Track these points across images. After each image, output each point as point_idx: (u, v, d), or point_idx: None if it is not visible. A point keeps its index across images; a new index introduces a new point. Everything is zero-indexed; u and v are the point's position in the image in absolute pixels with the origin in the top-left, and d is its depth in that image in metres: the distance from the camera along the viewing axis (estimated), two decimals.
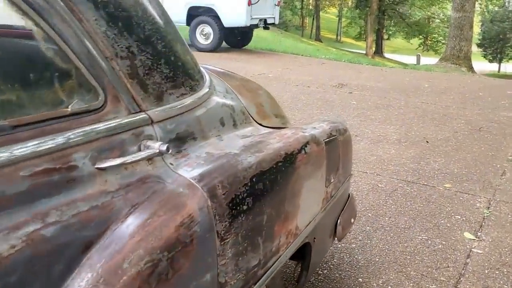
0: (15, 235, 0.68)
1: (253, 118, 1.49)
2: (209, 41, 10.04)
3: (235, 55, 9.89)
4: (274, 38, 18.61)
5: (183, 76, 1.15)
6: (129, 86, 0.96)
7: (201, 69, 1.34)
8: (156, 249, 0.85)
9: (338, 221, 1.87)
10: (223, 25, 9.82)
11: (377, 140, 4.48)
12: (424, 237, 2.68)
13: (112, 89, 0.92)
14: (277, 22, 11.17)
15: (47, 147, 0.77)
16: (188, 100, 1.15)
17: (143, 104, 0.99)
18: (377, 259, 2.43)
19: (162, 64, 1.07)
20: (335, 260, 2.41)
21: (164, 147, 0.95)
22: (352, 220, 2.02)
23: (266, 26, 10.66)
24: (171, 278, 0.88)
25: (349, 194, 2.05)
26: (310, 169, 1.47)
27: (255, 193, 1.15)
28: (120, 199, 0.87)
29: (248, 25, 9.82)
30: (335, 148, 1.71)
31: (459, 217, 2.95)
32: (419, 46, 35.87)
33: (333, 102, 6.01)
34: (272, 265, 1.27)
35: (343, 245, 2.55)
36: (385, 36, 36.23)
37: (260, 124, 1.53)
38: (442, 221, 2.88)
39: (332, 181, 1.69)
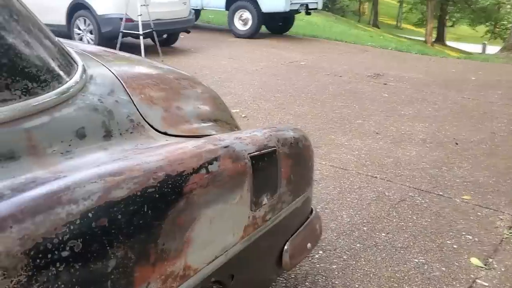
0: None
1: (151, 125, 1.21)
2: (247, 26, 9.75)
3: (272, 41, 9.54)
4: (325, 23, 18.03)
5: (8, 78, 0.89)
6: None
7: (68, 63, 1.07)
8: None
9: (285, 248, 1.56)
10: (261, 10, 9.48)
11: (400, 139, 4.05)
12: (421, 261, 2.30)
13: None
14: (320, 7, 10.68)
15: None
16: (12, 109, 0.88)
17: None
18: (356, 286, 2.09)
19: None
20: (307, 283, 2.09)
21: None
22: (309, 245, 1.69)
23: (308, 11, 10.21)
24: None
25: (308, 215, 1.73)
26: (215, 192, 1.17)
27: (93, 234, 0.88)
28: None
29: (288, 10, 9.43)
30: (271, 162, 1.40)
31: (471, 238, 2.53)
32: (485, 34, 33.67)
33: (362, 94, 5.58)
34: None
35: (322, 265, 2.23)
36: (449, 23, 34.32)
37: (164, 133, 1.24)
38: (448, 241, 2.48)
39: (264, 203, 1.38)
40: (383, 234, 2.53)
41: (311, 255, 2.29)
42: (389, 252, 2.36)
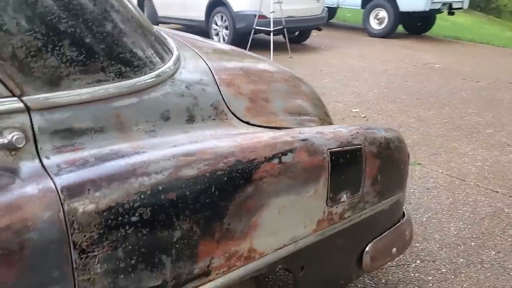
0: None
1: (234, 114, 1.28)
2: (382, 26, 9.46)
3: (408, 42, 9.13)
4: (474, 25, 16.67)
5: (105, 61, 1.03)
6: None
7: (163, 52, 1.19)
8: None
9: (366, 249, 1.53)
10: (399, 9, 9.12)
11: None
12: None
13: None
14: (466, 6, 9.92)
15: None
16: (105, 88, 1.02)
17: (18, 89, 0.90)
18: None
19: (65, 47, 0.96)
20: None
21: (9, 138, 0.85)
22: (395, 250, 1.64)
23: (451, 11, 9.56)
24: None
25: (398, 219, 1.67)
26: (287, 182, 1.21)
27: (162, 205, 0.98)
28: None
29: (428, 9, 8.93)
30: (355, 160, 1.39)
31: None
32: None
33: (499, 102, 5.10)
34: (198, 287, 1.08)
35: (416, 275, 2.13)
36: None
37: (247, 122, 1.31)
38: None
39: (343, 200, 1.37)
40: (492, 252, 2.32)
41: (407, 263, 2.20)
42: (495, 271, 2.16)
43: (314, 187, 1.28)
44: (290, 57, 7.04)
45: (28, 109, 0.91)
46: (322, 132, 1.35)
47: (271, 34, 6.63)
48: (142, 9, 9.36)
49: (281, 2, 6.62)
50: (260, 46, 7.49)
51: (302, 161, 1.25)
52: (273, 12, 6.50)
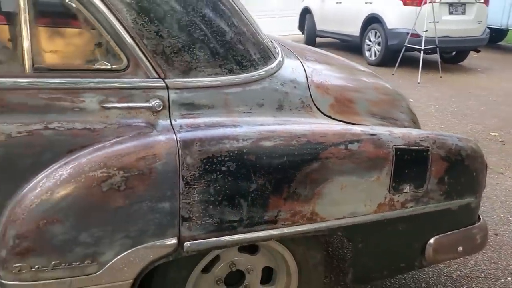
0: (24, 128, 1.24)
1: (318, 108, 1.63)
2: None
3: None
4: None
5: (222, 61, 1.47)
6: (151, 59, 1.37)
7: (268, 56, 1.59)
8: (113, 166, 1.27)
9: (430, 241, 1.74)
10: None
11: None
12: None
13: (135, 59, 1.36)
14: None
15: (68, 85, 1.30)
16: (220, 79, 1.47)
17: (163, 74, 1.39)
18: None
19: (196, 48, 1.42)
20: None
21: (152, 104, 1.34)
22: (460, 249, 1.79)
23: None
24: (123, 190, 1.28)
25: (470, 222, 1.82)
26: (350, 166, 1.51)
27: (244, 163, 1.38)
28: (110, 130, 1.32)
29: None
30: (421, 159, 1.62)
31: None
32: None
33: None
34: (266, 230, 1.45)
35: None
36: None
37: (328, 116, 1.64)
38: None
39: (406, 191, 1.62)
40: None
41: (496, 277, 2.26)
42: None
43: (376, 174, 1.56)
44: (440, 77, 6.94)
45: (167, 87, 1.39)
46: (392, 131, 1.62)
47: (421, 52, 6.63)
48: (303, 23, 10.01)
49: (437, 22, 6.59)
50: (410, 63, 7.51)
51: (367, 151, 1.54)
52: (426, 31, 6.51)
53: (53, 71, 1.30)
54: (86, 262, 1.30)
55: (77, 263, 1.29)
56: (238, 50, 1.50)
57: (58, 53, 1.45)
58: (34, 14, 1.27)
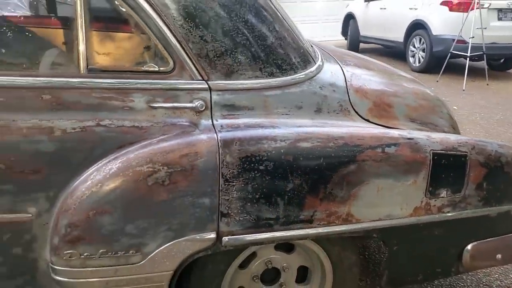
0: (78, 125, 1.34)
1: (356, 112, 1.66)
2: None
3: None
4: None
5: (263, 64, 1.53)
6: (196, 62, 1.44)
7: (307, 60, 1.63)
8: (158, 162, 1.35)
9: (467, 247, 1.73)
10: None
11: None
12: None
13: (180, 62, 1.44)
14: None
15: (119, 85, 1.39)
16: (260, 82, 1.52)
17: (206, 76, 1.46)
18: None
19: (238, 52, 1.49)
20: None
21: (196, 104, 1.42)
22: (499, 257, 1.77)
23: None
24: (167, 185, 1.36)
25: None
26: (387, 168, 1.53)
27: (282, 163, 1.43)
28: (156, 128, 1.40)
29: None
30: (458, 164, 1.62)
31: None
32: None
33: None
34: (301, 229, 1.50)
35: None
36: None
37: (366, 120, 1.67)
38: None
39: (442, 196, 1.62)
40: None
41: None
42: None
43: (413, 178, 1.57)
44: (487, 84, 6.75)
45: (210, 89, 1.46)
46: (430, 136, 1.63)
47: (467, 59, 6.48)
48: (346, 28, 9.98)
49: (485, 28, 6.43)
50: (455, 70, 7.35)
51: (404, 155, 1.55)
52: (472, 37, 6.36)
53: (105, 72, 1.39)
54: (131, 252, 1.38)
55: (123, 252, 1.37)
56: (279, 54, 1.56)
57: (110, 55, 1.55)
58: (89, 20, 1.36)
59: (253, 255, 1.65)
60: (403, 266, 1.71)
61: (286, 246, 1.69)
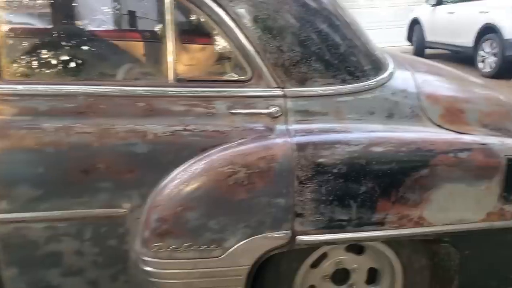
0: (168, 129, 1.47)
1: (428, 118, 1.69)
2: None
3: None
4: None
5: (335, 71, 1.60)
6: (272, 71, 1.55)
7: (379, 67, 1.68)
8: (238, 164, 1.45)
9: None
10: None
11: None
12: None
13: (258, 71, 1.54)
14: None
15: (203, 93, 1.52)
16: (333, 89, 1.60)
17: (282, 84, 1.56)
18: None
19: (312, 61, 1.57)
20: None
21: (272, 110, 1.52)
22: None
23: None
24: (246, 185, 1.46)
25: None
26: (460, 173, 1.55)
27: (354, 166, 1.49)
28: (235, 132, 1.51)
29: None
30: None
31: None
32: None
33: None
34: (373, 231, 1.55)
35: None
36: None
37: (438, 125, 1.70)
38: None
39: None
40: None
41: None
42: None
43: (486, 183, 1.58)
44: None
45: (285, 96, 1.56)
46: (504, 142, 1.63)
47: None
48: (412, 34, 9.79)
49: None
50: None
51: (477, 160, 1.57)
52: None
53: (191, 81, 1.53)
54: (212, 246, 1.49)
55: (205, 246, 1.49)
56: (351, 61, 1.63)
57: (194, 66, 1.69)
58: (177, 33, 1.50)
59: (324, 255, 1.72)
60: (474, 272, 1.71)
61: (356, 248, 1.75)
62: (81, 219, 1.48)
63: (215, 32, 1.52)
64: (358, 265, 1.76)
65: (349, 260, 1.75)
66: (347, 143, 1.51)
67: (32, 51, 1.61)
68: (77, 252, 1.51)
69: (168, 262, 1.50)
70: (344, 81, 1.61)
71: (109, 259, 1.55)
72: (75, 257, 1.51)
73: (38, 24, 1.99)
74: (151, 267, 1.51)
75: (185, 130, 1.49)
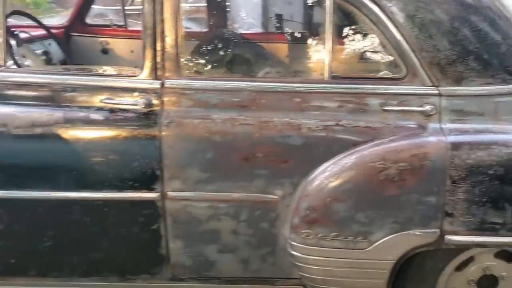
0: (321, 124, 1.56)
1: None
2: None
3: None
4: None
5: (495, 71, 1.56)
6: (427, 69, 1.55)
7: None
8: (389, 160, 1.49)
9: None
10: None
11: None
12: None
13: (413, 69, 1.56)
14: None
15: (356, 90, 1.58)
16: (491, 89, 1.56)
17: (437, 82, 1.56)
18: None
19: (470, 60, 1.55)
20: None
21: (426, 108, 1.53)
22: None
23: None
24: (396, 181, 1.49)
25: None
26: None
27: (510, 168, 1.45)
28: (387, 129, 1.55)
29: None
30: None
31: None
32: None
33: None
34: None
35: None
36: None
37: None
38: None
39: None
40: None
41: None
42: None
43: None
44: None
45: (440, 95, 1.56)
46: None
47: None
48: None
49: None
50: None
51: None
52: None
53: (345, 78, 1.60)
54: (359, 238, 1.55)
55: (352, 237, 1.55)
56: None
57: (349, 64, 1.76)
58: (334, 33, 1.59)
59: (470, 259, 1.68)
60: None
61: (507, 255, 1.68)
62: (239, 202, 1.63)
63: (371, 31, 1.58)
64: (508, 273, 1.69)
65: (498, 267, 1.69)
66: (505, 144, 1.47)
67: (204, 52, 1.81)
68: (233, 231, 1.66)
69: (314, 249, 1.59)
70: (504, 81, 1.56)
71: (260, 241, 1.68)
72: (231, 236, 1.67)
73: (209, 29, 2.21)
74: (297, 252, 1.61)
75: (337, 125, 1.56)
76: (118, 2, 3.20)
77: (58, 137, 1.58)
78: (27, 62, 2.07)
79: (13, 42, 1.94)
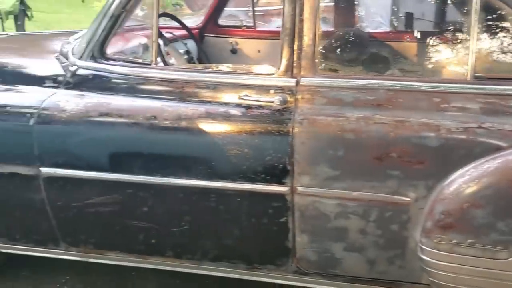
0: (461, 125, 1.49)
1: None
2: None
3: None
4: None
5: None
6: None
7: None
8: None
9: None
10: None
11: None
12: None
13: None
14: None
15: (502, 91, 1.49)
16: None
17: None
18: None
19: None
20: None
21: None
22: None
23: None
24: None
25: None
26: None
27: None
28: None
29: None
30: None
31: None
32: None
33: None
34: None
35: None
36: None
37: None
38: None
39: None
40: None
41: None
42: None
43: None
44: None
45: None
46: None
47: None
48: None
49: None
50: None
51: None
52: None
53: (489, 79, 1.51)
54: (498, 247, 1.46)
55: (490, 246, 1.47)
56: None
57: (494, 64, 1.67)
58: (479, 32, 1.51)
59: None
60: None
61: None
62: (368, 201, 1.62)
63: None
64: None
65: None
66: None
67: (339, 51, 1.83)
68: (361, 230, 1.65)
69: (447, 255, 1.53)
70: None
71: (389, 242, 1.65)
72: (359, 235, 1.66)
73: (337, 28, 2.23)
74: (428, 256, 1.56)
75: (479, 127, 1.49)
76: (248, 3, 3.32)
77: (200, 130, 1.70)
78: (171, 61, 2.25)
79: (161, 42, 2.12)
